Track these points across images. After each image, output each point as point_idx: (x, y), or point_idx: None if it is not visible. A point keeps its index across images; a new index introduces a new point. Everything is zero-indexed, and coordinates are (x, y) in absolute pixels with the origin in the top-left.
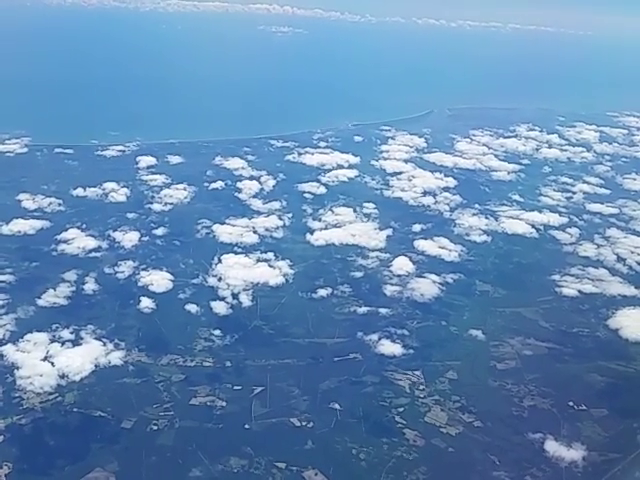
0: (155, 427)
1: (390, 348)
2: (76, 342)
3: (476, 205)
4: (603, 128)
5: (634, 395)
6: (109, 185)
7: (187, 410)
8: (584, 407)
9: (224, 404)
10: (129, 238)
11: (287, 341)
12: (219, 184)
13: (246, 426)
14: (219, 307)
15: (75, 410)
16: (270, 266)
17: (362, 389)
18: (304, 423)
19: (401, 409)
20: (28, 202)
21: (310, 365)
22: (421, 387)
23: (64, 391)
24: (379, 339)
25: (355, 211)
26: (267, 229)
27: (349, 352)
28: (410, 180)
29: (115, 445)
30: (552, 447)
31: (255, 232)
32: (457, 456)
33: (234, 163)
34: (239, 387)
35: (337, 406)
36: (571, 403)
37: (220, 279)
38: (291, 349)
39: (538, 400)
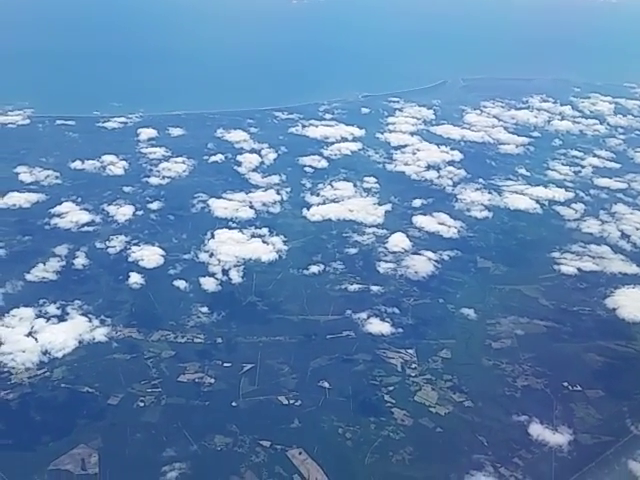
0: (142, 404)
1: (378, 327)
2: (62, 318)
3: (480, 180)
4: (619, 100)
5: (631, 376)
6: (108, 158)
7: (175, 387)
8: (579, 388)
9: (212, 381)
10: (123, 212)
11: (280, 318)
12: (219, 157)
13: (233, 404)
14: (208, 283)
15: (63, 386)
16: (264, 242)
17: (353, 367)
18: (292, 401)
19: (391, 388)
20: (25, 175)
21: (302, 342)
22: (413, 366)
23: (53, 366)
24: (368, 317)
25: (355, 186)
26: (264, 204)
27: (342, 329)
28: (414, 154)
29: (100, 421)
30: (537, 430)
31: (251, 207)
32: (445, 436)
33: (236, 136)
34: (229, 364)
35: (326, 384)
36: (566, 383)
37: (212, 255)
38: (283, 326)
39: (532, 380)
